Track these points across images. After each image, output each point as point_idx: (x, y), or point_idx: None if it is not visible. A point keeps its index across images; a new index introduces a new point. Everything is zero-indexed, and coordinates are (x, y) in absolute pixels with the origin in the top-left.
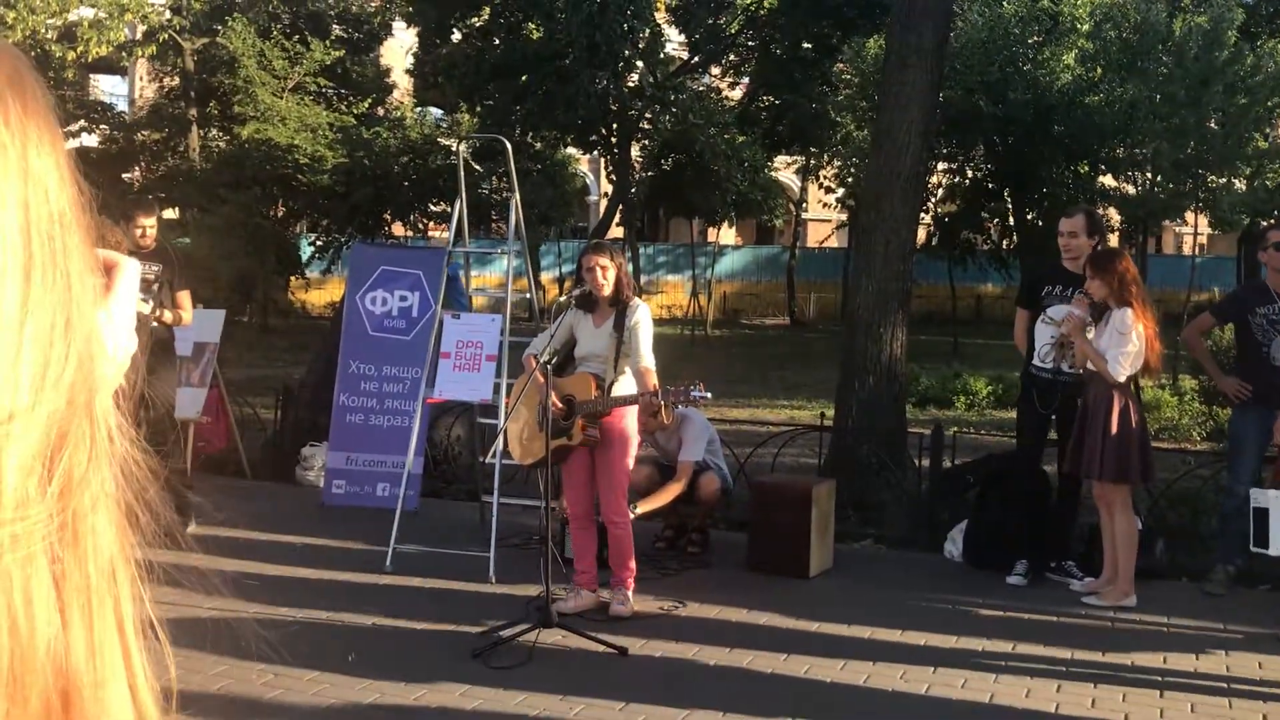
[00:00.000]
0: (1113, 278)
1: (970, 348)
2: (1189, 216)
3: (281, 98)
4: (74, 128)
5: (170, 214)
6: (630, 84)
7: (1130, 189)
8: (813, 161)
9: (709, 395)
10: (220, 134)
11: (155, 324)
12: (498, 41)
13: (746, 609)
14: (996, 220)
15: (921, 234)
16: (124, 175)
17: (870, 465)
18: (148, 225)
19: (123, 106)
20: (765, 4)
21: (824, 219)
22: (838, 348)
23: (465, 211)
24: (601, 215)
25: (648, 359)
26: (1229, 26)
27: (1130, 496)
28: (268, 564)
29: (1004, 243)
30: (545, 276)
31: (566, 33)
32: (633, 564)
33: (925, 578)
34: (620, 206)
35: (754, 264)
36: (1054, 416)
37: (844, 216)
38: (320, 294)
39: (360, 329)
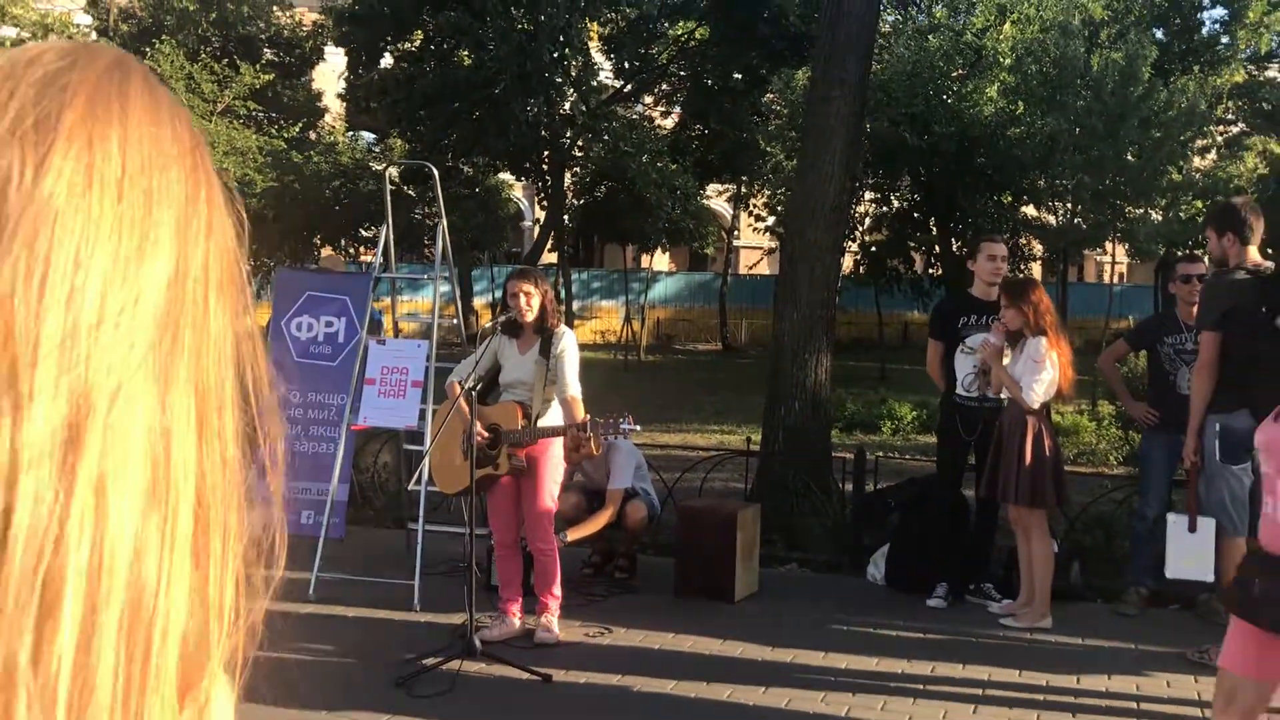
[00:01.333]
0: (1027, 306)
1: (897, 373)
2: (1108, 246)
3: (210, 120)
4: None
5: None
6: (562, 112)
7: (1052, 219)
8: (744, 190)
9: (637, 428)
10: None
11: None
12: (429, 68)
13: (672, 634)
14: (922, 249)
15: (849, 262)
16: None
17: (795, 490)
18: None
19: None
20: (696, 35)
21: (756, 246)
22: (768, 373)
23: (392, 236)
24: (535, 240)
25: (574, 388)
26: (1143, 63)
27: (1046, 520)
28: None
29: (927, 271)
30: (479, 302)
31: (496, 61)
32: (558, 590)
33: (848, 600)
34: (553, 232)
35: (687, 290)
36: (972, 442)
37: (774, 244)
38: None
39: (285, 355)
